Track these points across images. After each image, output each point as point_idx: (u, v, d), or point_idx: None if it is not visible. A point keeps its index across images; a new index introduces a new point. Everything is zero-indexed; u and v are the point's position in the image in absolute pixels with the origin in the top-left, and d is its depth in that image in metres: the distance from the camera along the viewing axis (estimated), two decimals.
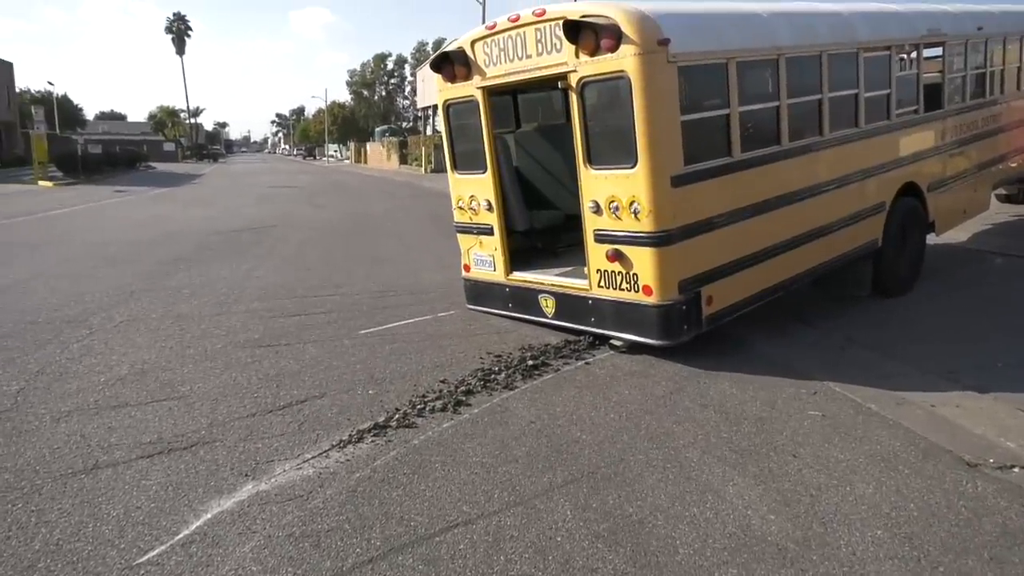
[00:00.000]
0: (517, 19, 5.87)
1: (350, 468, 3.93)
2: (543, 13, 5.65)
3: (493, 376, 5.24)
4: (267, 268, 10.35)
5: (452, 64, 6.44)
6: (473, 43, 6.30)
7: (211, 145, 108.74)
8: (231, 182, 38.29)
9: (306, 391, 5.14)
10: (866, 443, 4.05)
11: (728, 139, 5.60)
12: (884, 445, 4.01)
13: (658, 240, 5.26)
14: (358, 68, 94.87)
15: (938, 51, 8.01)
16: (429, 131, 49.27)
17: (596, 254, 5.67)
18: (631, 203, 5.31)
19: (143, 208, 22.01)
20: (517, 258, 6.79)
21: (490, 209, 6.61)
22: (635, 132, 5.13)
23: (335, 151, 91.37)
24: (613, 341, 5.79)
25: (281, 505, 3.55)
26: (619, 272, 5.54)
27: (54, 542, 3.28)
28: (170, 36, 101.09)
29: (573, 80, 5.49)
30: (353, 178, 40.95)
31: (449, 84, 6.62)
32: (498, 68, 6.14)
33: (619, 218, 5.42)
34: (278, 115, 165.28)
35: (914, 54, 7.69)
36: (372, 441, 4.26)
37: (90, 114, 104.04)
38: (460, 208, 6.96)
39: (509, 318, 6.72)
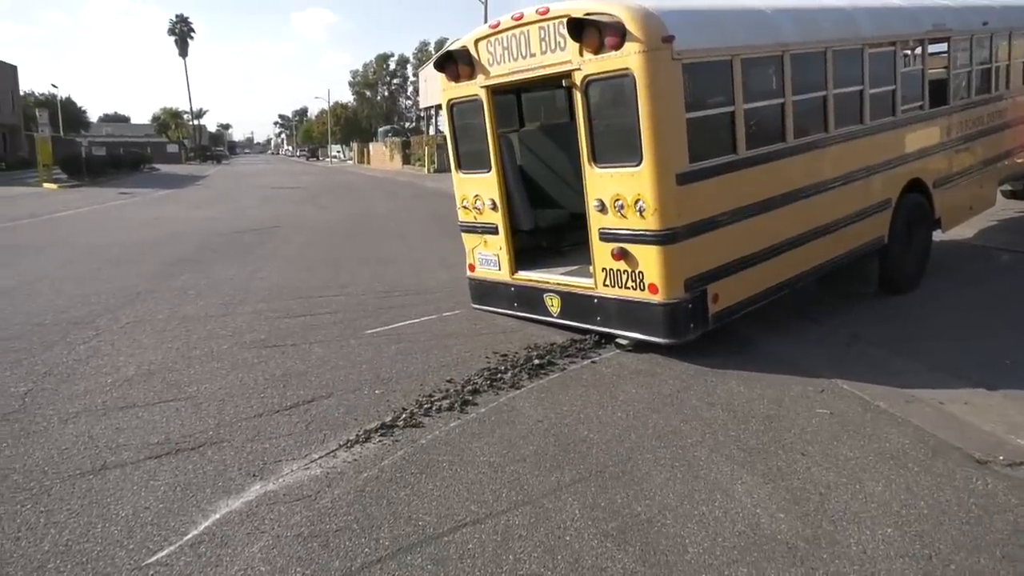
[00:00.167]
0: (521, 18, 5.86)
1: (358, 468, 3.93)
2: (547, 11, 5.64)
3: (499, 375, 5.24)
4: (271, 269, 10.36)
5: (456, 63, 6.44)
6: (477, 42, 6.30)
7: (214, 147, 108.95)
8: (235, 183, 38.36)
9: (313, 391, 5.15)
10: (875, 441, 4.03)
11: (733, 136, 5.58)
12: (893, 443, 4.00)
13: (663, 238, 5.25)
14: (360, 68, 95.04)
15: (943, 47, 7.97)
16: (432, 131, 49.28)
17: (601, 253, 5.66)
18: (636, 201, 5.30)
19: (148, 210, 22.07)
20: (522, 257, 6.78)
21: (495, 208, 6.61)
22: (640, 130, 5.12)
23: (338, 152, 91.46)
24: (619, 340, 5.78)
25: (289, 505, 3.55)
26: (624, 271, 5.53)
27: (63, 543, 3.28)
28: (173, 38, 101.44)
29: (577, 78, 5.48)
30: (356, 178, 40.99)
31: (453, 83, 6.61)
32: (502, 67, 6.13)
33: (624, 216, 5.41)
34: (281, 116, 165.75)
35: (919, 50, 7.66)
36: (379, 441, 4.26)
37: (94, 116, 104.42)
38: (465, 207, 6.96)
39: (514, 317, 6.71)
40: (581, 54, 5.39)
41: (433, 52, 70.04)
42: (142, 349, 6.36)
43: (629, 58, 5.09)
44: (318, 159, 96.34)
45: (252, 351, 6.19)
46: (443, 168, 37.45)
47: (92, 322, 7.34)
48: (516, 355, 5.67)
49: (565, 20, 5.33)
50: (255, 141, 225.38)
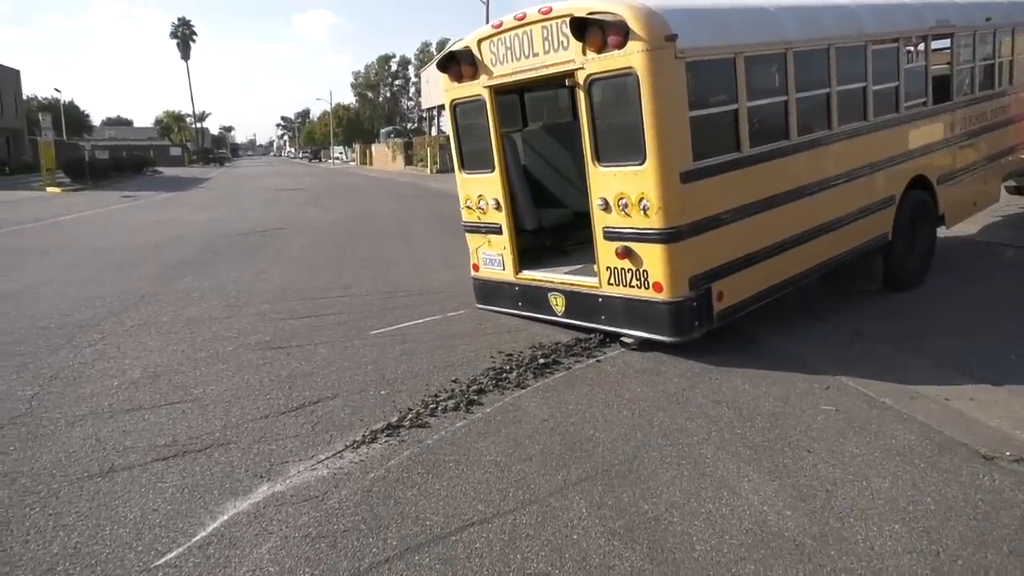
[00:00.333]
0: (523, 17, 5.86)
1: (364, 468, 3.94)
2: (549, 11, 5.64)
3: (505, 375, 5.24)
4: (275, 270, 10.38)
5: (459, 64, 6.44)
6: (479, 42, 6.30)
7: (217, 149, 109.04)
8: (238, 185, 38.43)
9: (318, 392, 5.16)
10: (881, 437, 4.03)
11: (737, 134, 5.58)
12: (899, 439, 4.00)
13: (668, 236, 5.25)
14: (362, 70, 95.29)
15: (946, 43, 7.95)
16: (434, 132, 49.30)
17: (606, 251, 5.66)
18: (640, 200, 5.30)
19: (151, 212, 22.12)
20: (526, 257, 6.78)
21: (498, 208, 6.61)
22: (643, 128, 5.12)
23: (340, 153, 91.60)
24: (624, 338, 5.78)
25: (297, 506, 3.56)
26: (629, 269, 5.53)
27: (72, 545, 3.29)
28: (175, 41, 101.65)
29: (580, 78, 5.48)
30: (359, 180, 41.03)
31: (456, 84, 6.62)
32: (505, 67, 6.14)
33: (628, 215, 5.41)
34: (283, 118, 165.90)
35: (922, 46, 7.64)
36: (385, 441, 4.27)
37: (96, 120, 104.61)
38: (468, 208, 6.96)
39: (519, 317, 6.72)
40: (584, 53, 5.39)
41: (435, 53, 70.13)
42: (147, 352, 6.37)
43: (632, 57, 5.09)
44: (320, 161, 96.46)
45: (257, 353, 6.21)
46: (445, 169, 37.49)
47: (97, 325, 7.36)
48: (521, 355, 5.68)
49: (568, 19, 5.33)
50: (257, 143, 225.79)
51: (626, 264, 5.53)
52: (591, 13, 5.23)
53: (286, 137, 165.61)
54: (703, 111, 5.41)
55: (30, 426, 4.73)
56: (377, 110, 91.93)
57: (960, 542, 3.02)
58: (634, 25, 5.05)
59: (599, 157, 5.57)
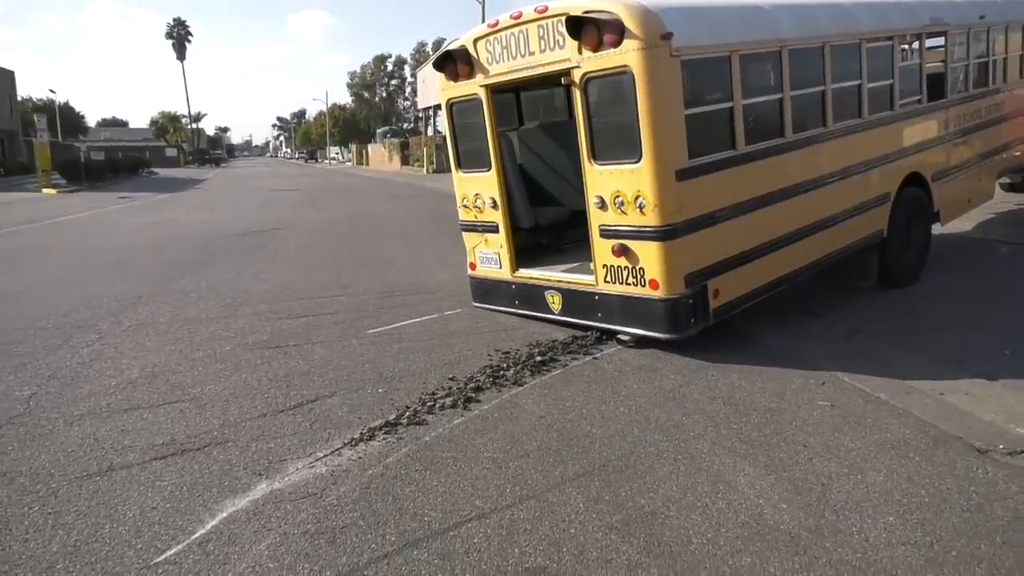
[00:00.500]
0: (519, 16, 5.88)
1: (363, 465, 3.95)
2: (545, 10, 5.66)
3: (502, 372, 5.26)
4: (272, 271, 10.39)
5: (455, 63, 6.46)
6: (475, 41, 6.32)
7: (213, 150, 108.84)
8: (234, 186, 38.40)
9: (316, 391, 5.17)
10: (876, 432, 4.05)
11: (732, 132, 5.61)
12: (894, 433, 4.02)
13: (664, 234, 5.27)
14: (358, 70, 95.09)
15: (940, 41, 7.99)
16: (430, 132, 49.29)
17: (602, 249, 5.68)
18: (636, 198, 5.32)
19: (147, 213, 22.10)
20: (523, 255, 6.80)
21: (495, 207, 6.63)
22: (639, 127, 5.14)
23: (337, 153, 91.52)
24: (620, 336, 5.80)
25: (295, 503, 3.58)
26: (625, 267, 5.56)
27: (72, 544, 3.31)
28: (171, 42, 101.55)
29: (576, 76, 5.50)
30: (355, 180, 41.02)
31: (452, 83, 6.64)
32: (501, 66, 6.16)
33: (624, 213, 5.44)
34: (279, 118, 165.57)
35: (916, 44, 7.68)
36: (384, 439, 4.29)
37: (92, 121, 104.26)
38: (465, 206, 6.98)
39: (516, 315, 6.74)
40: (580, 52, 5.42)
41: (430, 53, 70.07)
42: (145, 352, 6.38)
43: (628, 55, 5.11)
44: (316, 161, 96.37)
45: (255, 352, 6.22)
46: (442, 168, 37.49)
47: (95, 325, 7.36)
48: (518, 352, 5.70)
49: (564, 18, 5.35)
50: (253, 144, 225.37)
51: (622, 262, 5.55)
52: (587, 12, 5.25)
53: (282, 138, 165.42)
54: (698, 109, 5.43)
55: (28, 426, 4.74)
56: (373, 110, 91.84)
57: (954, 533, 3.05)
58: (630, 24, 5.07)
59: (595, 155, 5.59)
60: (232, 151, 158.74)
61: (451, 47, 6.66)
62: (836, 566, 2.86)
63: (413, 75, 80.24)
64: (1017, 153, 9.87)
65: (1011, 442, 3.88)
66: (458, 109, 6.84)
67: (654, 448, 3.98)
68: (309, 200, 25.19)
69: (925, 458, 3.72)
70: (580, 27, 5.26)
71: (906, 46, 7.63)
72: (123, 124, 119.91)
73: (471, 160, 6.84)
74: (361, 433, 4.36)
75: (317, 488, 3.73)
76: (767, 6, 6.18)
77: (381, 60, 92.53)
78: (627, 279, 5.58)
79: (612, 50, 5.19)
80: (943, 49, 7.99)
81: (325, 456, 4.10)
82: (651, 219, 5.29)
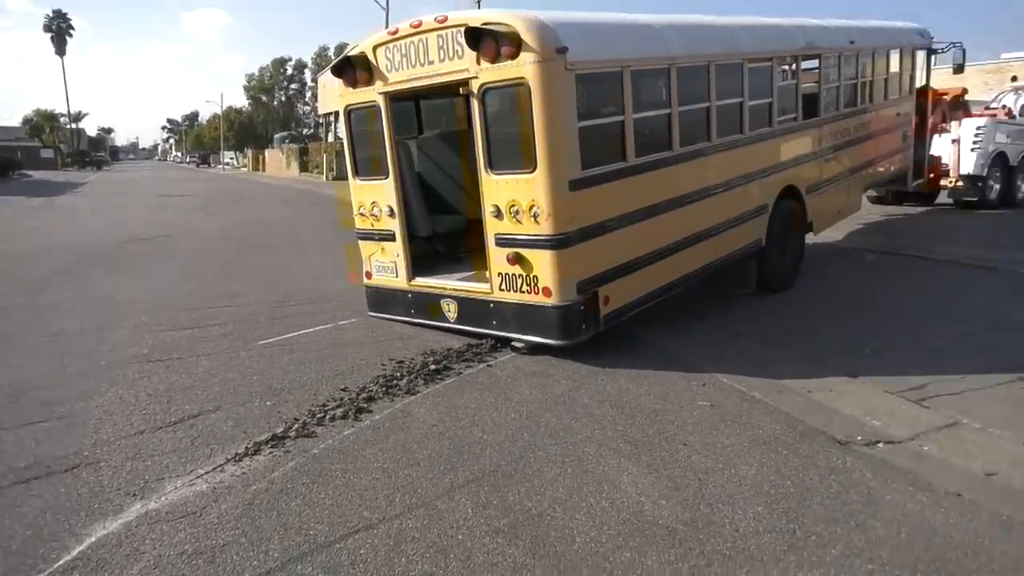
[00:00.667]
0: (419, 25, 5.88)
1: (246, 481, 3.82)
2: (445, 19, 5.69)
3: (395, 382, 5.22)
4: (157, 280, 9.87)
5: (353, 69, 6.38)
6: (375, 48, 6.27)
7: (94, 152, 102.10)
8: (118, 190, 36.22)
9: (199, 405, 4.96)
10: (750, 428, 4.30)
11: (623, 144, 5.80)
12: (766, 429, 4.28)
13: (557, 242, 5.40)
14: (256, 72, 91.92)
15: (815, 63, 8.58)
16: (331, 138, 48.29)
17: (497, 258, 5.75)
18: (531, 207, 5.42)
19: (20, 219, 20.50)
20: (420, 264, 6.78)
21: (392, 215, 6.59)
22: (534, 137, 5.25)
23: (231, 158, 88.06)
24: (515, 343, 5.88)
25: (172, 523, 3.41)
26: (519, 275, 5.64)
27: None
28: (49, 35, 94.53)
29: (474, 86, 5.56)
30: (251, 186, 39.61)
31: (350, 89, 6.56)
32: (400, 73, 6.14)
33: (519, 222, 5.52)
34: (170, 120, 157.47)
35: (793, 65, 8.21)
36: (270, 452, 4.16)
37: None
38: (361, 214, 6.90)
39: (412, 324, 6.70)
40: (478, 63, 5.47)
41: (333, 57, 68.67)
42: (8, 368, 5.92)
43: (524, 67, 5.21)
44: (209, 166, 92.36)
45: (133, 366, 5.89)
46: (342, 175, 36.61)
47: None
48: (412, 361, 5.67)
49: (463, 29, 5.39)
50: (140, 147, 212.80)
51: (517, 270, 5.63)
52: (486, 23, 5.32)
53: (172, 141, 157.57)
54: (592, 122, 5.60)
55: None
56: (271, 114, 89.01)
57: (814, 519, 3.27)
58: (526, 37, 5.18)
59: (491, 165, 5.66)
60: (116, 153, 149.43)
61: (350, 53, 6.58)
62: (708, 556, 3.01)
63: (314, 79, 78.41)
64: (882, 168, 10.73)
65: (868, 434, 4.20)
66: (356, 116, 6.76)
67: (543, 452, 4.06)
68: (200, 206, 24.11)
69: (792, 451, 3.98)
70: (479, 38, 5.32)
71: (784, 67, 8.14)
72: None
73: (369, 168, 6.77)
74: (246, 448, 4.21)
75: (196, 507, 3.57)
76: (657, 25, 6.46)
77: (281, 63, 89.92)
78: (521, 287, 5.66)
79: (509, 62, 5.28)
80: (817, 71, 8.58)
81: (206, 473, 3.94)
82: (545, 228, 5.40)
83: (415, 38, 5.93)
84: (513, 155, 5.54)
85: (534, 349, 5.75)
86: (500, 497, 3.56)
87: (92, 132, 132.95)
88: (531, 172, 5.36)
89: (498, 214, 5.65)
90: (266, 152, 67.80)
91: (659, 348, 5.99)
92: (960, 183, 14.06)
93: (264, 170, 63.88)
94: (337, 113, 7.49)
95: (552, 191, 5.33)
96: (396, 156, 6.47)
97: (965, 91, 14.98)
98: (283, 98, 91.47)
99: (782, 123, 7.80)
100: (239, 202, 26.28)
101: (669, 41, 6.36)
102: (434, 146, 7.62)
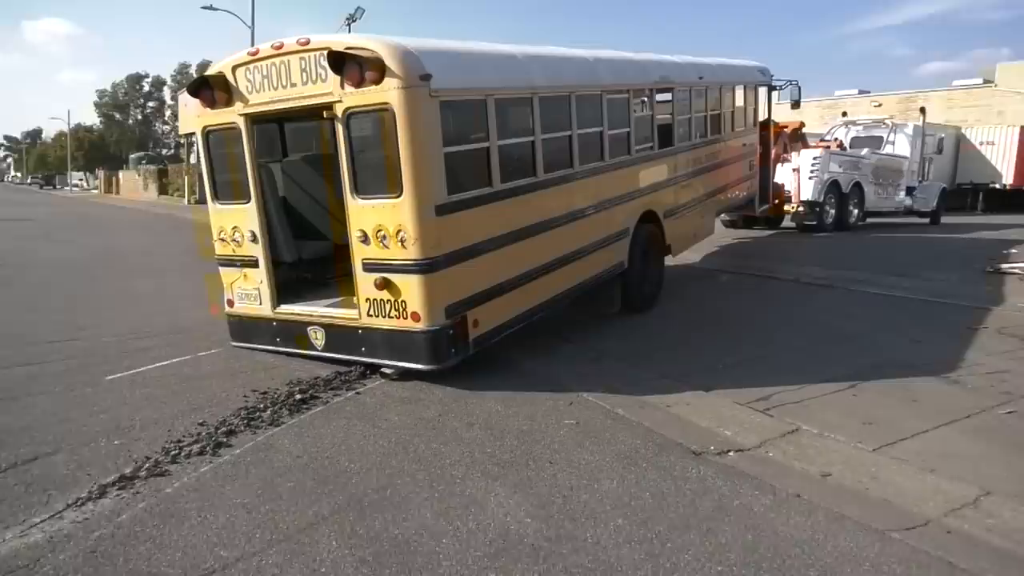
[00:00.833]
0: (281, 47, 5.77)
1: (88, 527, 3.54)
2: (307, 42, 5.62)
3: (258, 413, 5.01)
4: None
5: (212, 89, 6.15)
6: (235, 68, 6.07)
7: None
8: None
9: (35, 448, 4.53)
10: (613, 444, 4.48)
11: (488, 170, 5.94)
12: (627, 444, 4.48)
13: (424, 267, 5.42)
14: (109, 88, 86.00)
15: (668, 96, 9.17)
16: (193, 159, 45.94)
17: (365, 283, 5.68)
18: (398, 232, 5.42)
19: None
20: (285, 290, 6.58)
21: (254, 240, 6.36)
22: (400, 163, 5.26)
23: (81, 179, 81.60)
24: (384, 369, 5.82)
25: None
26: (388, 300, 5.60)
27: None
28: None
29: (339, 110, 5.51)
30: (102, 210, 36.86)
31: (208, 110, 6.31)
32: (261, 95, 5.98)
33: (387, 247, 5.50)
34: (7, 138, 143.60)
35: (648, 97, 8.73)
36: (117, 495, 3.88)
37: None
38: (222, 240, 6.61)
39: (277, 353, 6.46)
40: (342, 87, 5.43)
41: (195, 75, 65.54)
42: None
43: (389, 93, 5.23)
44: (55, 188, 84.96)
45: None
46: (205, 199, 35.02)
47: None
48: (277, 391, 5.47)
49: (326, 52, 5.34)
50: None
51: (385, 295, 5.60)
52: (349, 48, 5.30)
53: (10, 160, 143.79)
54: (457, 147, 5.69)
55: None
56: (126, 133, 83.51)
57: (670, 527, 3.46)
58: (390, 63, 5.20)
59: (358, 189, 5.61)
60: None
61: (208, 73, 6.33)
62: (571, 570, 3.11)
63: (174, 98, 74.37)
64: (732, 195, 11.58)
65: (720, 443, 4.50)
66: (215, 138, 6.50)
67: (411, 478, 4.03)
68: (44, 232, 22.11)
69: (651, 464, 4.19)
70: (342, 63, 5.28)
71: (640, 99, 8.64)
72: None
73: (229, 191, 6.52)
74: (89, 492, 3.90)
75: (29, 559, 3.27)
76: (521, 56, 6.69)
77: (137, 79, 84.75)
78: (390, 312, 5.62)
79: (374, 87, 5.28)
80: (671, 103, 9.16)
81: (42, 522, 3.61)
82: (412, 253, 5.41)
83: (277, 60, 5.82)
84: (379, 180, 5.53)
85: (404, 375, 5.71)
86: (366, 526, 3.50)
87: None
88: (397, 197, 5.37)
89: (365, 239, 5.60)
90: (120, 173, 63.45)
91: (528, 370, 6.13)
92: (801, 208, 15.46)
93: (118, 192, 59.72)
94: (195, 134, 7.17)
95: (419, 216, 5.36)
96: (259, 179, 6.28)
97: (803, 124, 16.53)
98: (139, 116, 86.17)
99: (640, 151, 8.25)
100: (90, 228, 24.37)
101: (531, 71, 6.60)
102: (299, 170, 7.45)
